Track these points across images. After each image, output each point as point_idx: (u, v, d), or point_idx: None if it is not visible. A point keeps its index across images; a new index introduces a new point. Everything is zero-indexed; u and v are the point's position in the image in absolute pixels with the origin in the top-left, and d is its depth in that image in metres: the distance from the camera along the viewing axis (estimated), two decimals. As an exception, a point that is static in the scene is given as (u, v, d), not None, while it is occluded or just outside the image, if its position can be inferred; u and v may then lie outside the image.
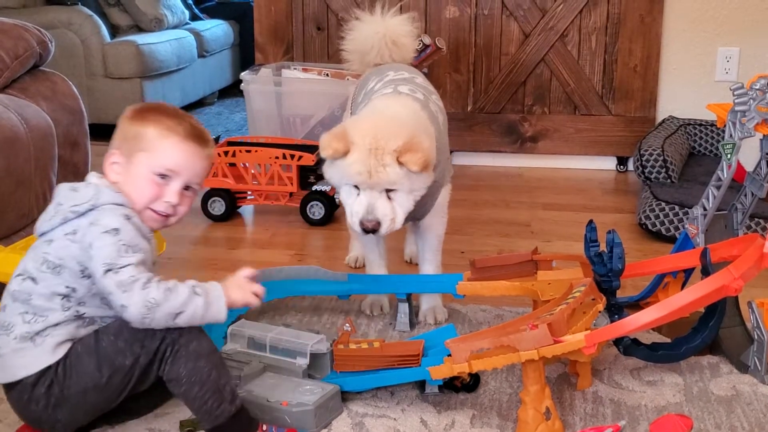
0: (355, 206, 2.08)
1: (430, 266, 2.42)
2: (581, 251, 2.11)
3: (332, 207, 3.25)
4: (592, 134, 4.05)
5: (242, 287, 1.73)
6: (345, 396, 1.95)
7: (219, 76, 6.26)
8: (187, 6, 6.33)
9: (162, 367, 1.68)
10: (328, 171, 2.12)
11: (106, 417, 1.80)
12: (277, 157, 3.24)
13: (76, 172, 2.74)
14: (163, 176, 1.74)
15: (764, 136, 2.15)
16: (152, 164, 1.74)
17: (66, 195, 1.70)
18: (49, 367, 1.65)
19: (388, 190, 2.06)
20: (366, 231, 2.08)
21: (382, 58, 2.64)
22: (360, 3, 4.00)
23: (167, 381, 1.70)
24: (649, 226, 3.08)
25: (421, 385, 1.99)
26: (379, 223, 2.06)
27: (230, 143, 3.38)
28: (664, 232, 3.05)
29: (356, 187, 2.08)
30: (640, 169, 3.42)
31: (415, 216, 2.32)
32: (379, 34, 2.63)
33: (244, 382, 1.90)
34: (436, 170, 2.21)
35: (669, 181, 3.36)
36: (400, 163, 2.02)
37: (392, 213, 2.07)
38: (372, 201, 2.05)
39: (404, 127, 2.07)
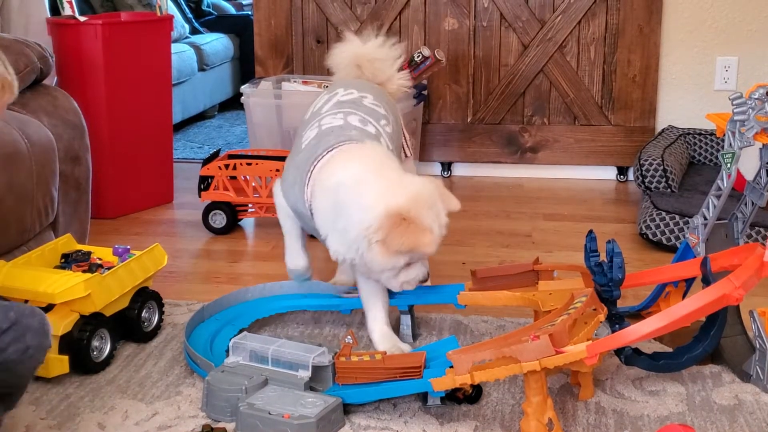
0: (411, 275, 2.11)
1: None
2: (582, 261, 2.12)
3: (333, 219, 3.24)
4: (592, 144, 4.06)
5: None
6: (347, 408, 1.95)
7: (219, 89, 6.27)
8: (187, 20, 6.35)
9: None
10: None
11: None
12: (278, 170, 3.24)
13: (77, 187, 2.75)
14: None
15: (764, 145, 2.16)
16: None
17: None
18: None
19: None
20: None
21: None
22: (359, 16, 4.02)
23: None
24: (650, 236, 3.08)
25: (423, 397, 1.99)
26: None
27: (231, 156, 3.39)
28: (664, 241, 3.05)
29: None
30: (640, 178, 3.43)
31: None
32: (347, 59, 2.59)
33: (246, 394, 1.90)
34: None
35: (669, 190, 3.36)
36: None
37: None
38: (426, 266, 2.14)
39: (430, 195, 2.10)
